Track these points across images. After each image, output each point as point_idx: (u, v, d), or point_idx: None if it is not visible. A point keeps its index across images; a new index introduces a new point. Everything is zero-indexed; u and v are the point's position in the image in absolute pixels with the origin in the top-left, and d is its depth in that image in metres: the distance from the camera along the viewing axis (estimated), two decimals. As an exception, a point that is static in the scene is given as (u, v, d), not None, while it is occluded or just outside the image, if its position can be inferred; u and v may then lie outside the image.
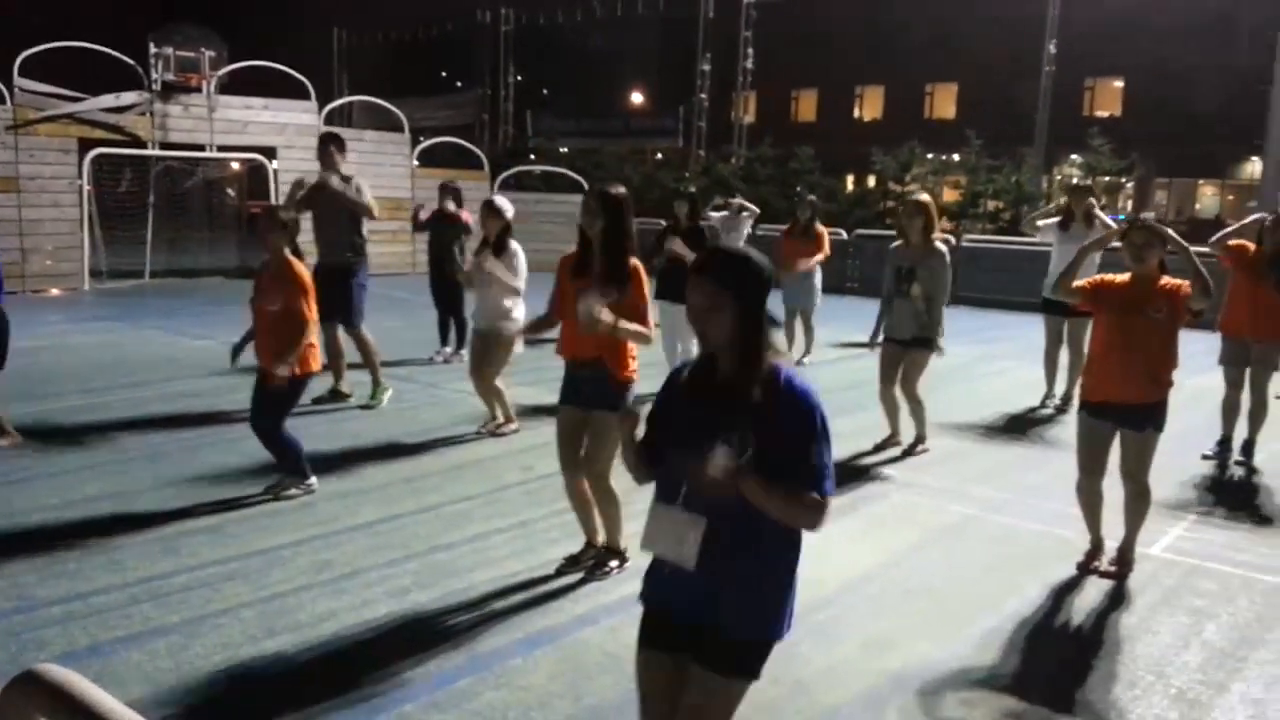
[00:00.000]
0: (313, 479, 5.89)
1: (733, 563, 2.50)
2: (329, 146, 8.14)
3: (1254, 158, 29.75)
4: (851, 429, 7.51)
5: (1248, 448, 7.26)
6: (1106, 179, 21.63)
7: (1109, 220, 8.40)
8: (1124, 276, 4.93)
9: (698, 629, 2.56)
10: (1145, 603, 4.74)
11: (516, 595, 4.56)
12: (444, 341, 10.34)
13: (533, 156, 33.51)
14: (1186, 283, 4.78)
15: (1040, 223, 8.94)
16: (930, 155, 23.89)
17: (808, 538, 2.58)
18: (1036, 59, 25.58)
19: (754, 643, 2.57)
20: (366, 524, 5.43)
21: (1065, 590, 4.86)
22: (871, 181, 25.92)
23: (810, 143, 26.69)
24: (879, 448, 7.30)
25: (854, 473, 6.72)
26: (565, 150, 36.55)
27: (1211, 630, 4.46)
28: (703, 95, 33.83)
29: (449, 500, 5.88)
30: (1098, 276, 5.10)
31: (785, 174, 24.97)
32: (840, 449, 7.12)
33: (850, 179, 33.64)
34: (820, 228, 10.86)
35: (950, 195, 22.36)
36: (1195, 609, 4.69)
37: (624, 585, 4.64)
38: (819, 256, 10.70)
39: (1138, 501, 4.98)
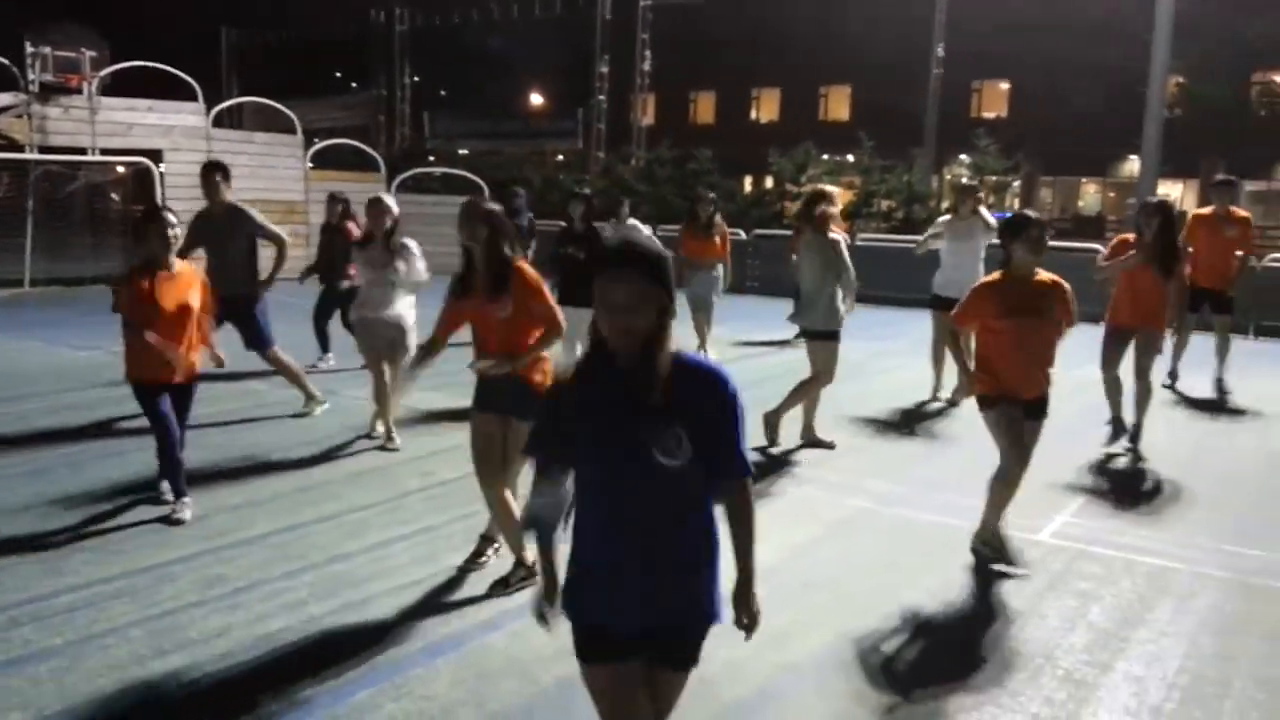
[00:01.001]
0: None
1: (671, 563, 2.54)
2: (214, 176, 7.70)
3: (1132, 156, 30.96)
4: (753, 424, 7.58)
5: (1135, 432, 7.53)
6: (994, 178, 22.28)
7: (990, 218, 8.70)
8: (997, 277, 5.09)
9: (642, 638, 2.60)
10: (1034, 587, 4.90)
11: (418, 603, 4.50)
12: (325, 349, 10.11)
13: (431, 159, 33.15)
14: (1060, 279, 5.01)
15: (931, 233, 9.23)
16: (826, 156, 24.31)
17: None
18: (925, 62, 26.24)
19: (706, 631, 2.71)
20: (261, 536, 5.30)
21: (958, 578, 4.99)
22: (769, 182, 26.27)
23: (708, 144, 26.91)
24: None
25: (756, 469, 6.79)
26: (465, 152, 36.24)
27: (1096, 612, 4.63)
28: (601, 97, 33.88)
29: (348, 509, 5.77)
30: (983, 283, 5.23)
31: (684, 175, 25.14)
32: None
33: (749, 180, 34.08)
34: (721, 223, 11.01)
35: (845, 195, 22.77)
36: (1081, 592, 4.86)
37: (528, 589, 4.62)
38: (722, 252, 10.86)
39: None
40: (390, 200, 7.27)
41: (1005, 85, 41.58)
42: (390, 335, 7.14)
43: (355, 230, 9.53)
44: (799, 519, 5.83)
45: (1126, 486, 6.71)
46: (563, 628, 2.62)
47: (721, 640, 4.15)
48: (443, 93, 48.30)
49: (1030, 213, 5.25)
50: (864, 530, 5.71)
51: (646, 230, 12.88)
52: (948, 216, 9.26)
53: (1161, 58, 18.30)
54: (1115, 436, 7.55)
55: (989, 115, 39.91)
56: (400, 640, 4.14)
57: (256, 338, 7.81)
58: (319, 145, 20.18)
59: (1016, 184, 28.38)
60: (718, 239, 10.87)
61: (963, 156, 24.06)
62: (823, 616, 4.49)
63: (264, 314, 7.88)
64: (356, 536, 5.32)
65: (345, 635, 4.18)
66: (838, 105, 44.87)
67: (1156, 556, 5.36)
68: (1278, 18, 30.37)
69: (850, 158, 23.85)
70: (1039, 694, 3.85)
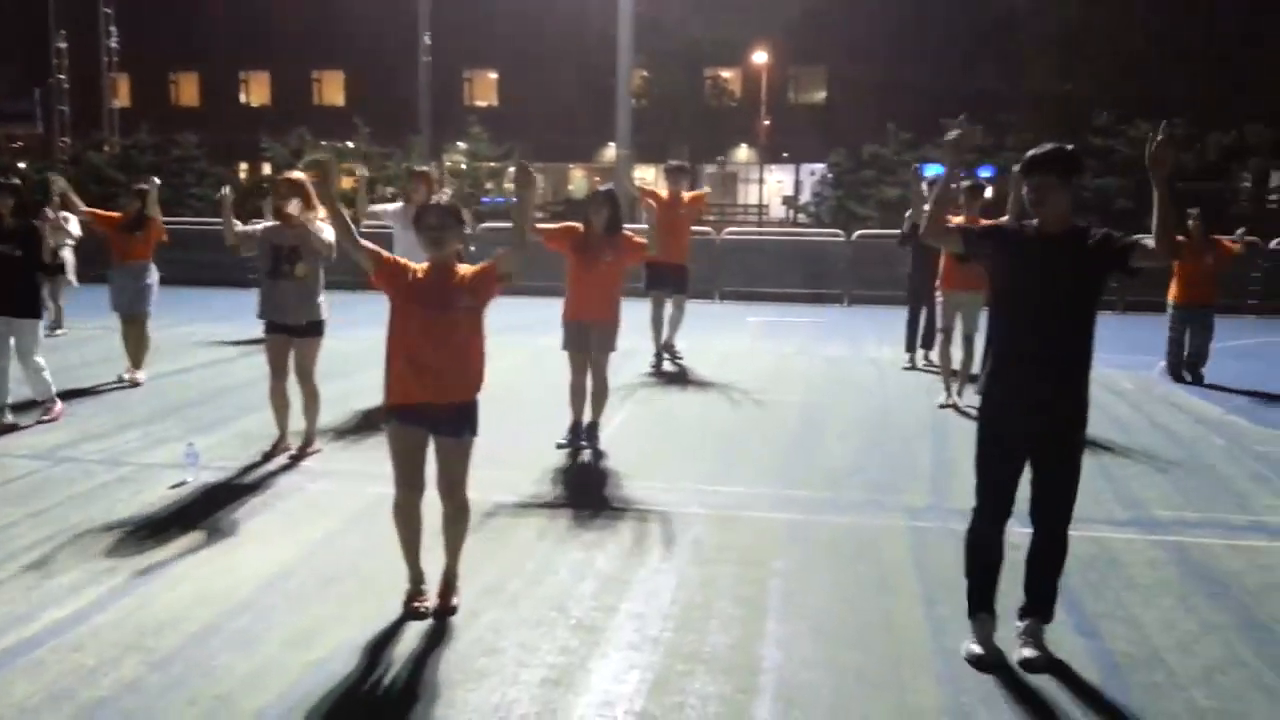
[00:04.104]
0: None
1: None
2: None
3: (610, 143, 33.62)
4: (238, 432, 7.28)
5: (592, 430, 7.25)
6: (489, 164, 23.11)
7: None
8: (424, 265, 4.45)
9: None
10: (544, 548, 5.22)
11: None
12: None
13: None
14: (495, 268, 4.44)
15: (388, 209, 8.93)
16: (324, 143, 23.74)
17: (213, 550, 2.50)
18: (416, 50, 26.53)
19: None
20: None
21: (471, 548, 5.00)
22: (267, 169, 25.17)
23: (194, 129, 25.19)
24: (268, 456, 6.81)
25: (265, 472, 6.52)
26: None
27: (601, 560, 5.04)
28: (62, 76, 30.24)
29: None
30: (402, 263, 4.54)
31: (170, 162, 23.34)
32: (242, 452, 6.83)
33: (244, 167, 32.35)
34: (156, 216, 9.58)
35: (348, 182, 22.40)
36: (588, 543, 5.27)
37: (49, 610, 4.10)
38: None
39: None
40: None
41: (494, 75, 43.28)
42: None
43: None
44: (315, 515, 5.71)
45: (621, 447, 7.23)
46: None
47: (238, 654, 3.99)
48: None
49: (438, 198, 4.90)
50: (382, 517, 5.64)
51: None
52: (400, 204, 8.77)
53: (626, 52, 19.95)
54: (573, 440, 7.21)
55: (481, 104, 41.34)
56: None
57: None
58: None
59: (511, 169, 29.62)
60: (149, 234, 9.52)
61: (459, 144, 24.68)
62: (345, 609, 4.45)
63: None
64: None
65: None
66: (332, 90, 44.02)
67: (651, 504, 5.94)
68: (724, 21, 34.75)
69: (350, 144, 23.51)
70: (554, 645, 4.12)
